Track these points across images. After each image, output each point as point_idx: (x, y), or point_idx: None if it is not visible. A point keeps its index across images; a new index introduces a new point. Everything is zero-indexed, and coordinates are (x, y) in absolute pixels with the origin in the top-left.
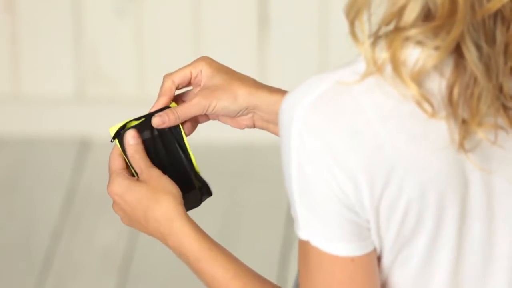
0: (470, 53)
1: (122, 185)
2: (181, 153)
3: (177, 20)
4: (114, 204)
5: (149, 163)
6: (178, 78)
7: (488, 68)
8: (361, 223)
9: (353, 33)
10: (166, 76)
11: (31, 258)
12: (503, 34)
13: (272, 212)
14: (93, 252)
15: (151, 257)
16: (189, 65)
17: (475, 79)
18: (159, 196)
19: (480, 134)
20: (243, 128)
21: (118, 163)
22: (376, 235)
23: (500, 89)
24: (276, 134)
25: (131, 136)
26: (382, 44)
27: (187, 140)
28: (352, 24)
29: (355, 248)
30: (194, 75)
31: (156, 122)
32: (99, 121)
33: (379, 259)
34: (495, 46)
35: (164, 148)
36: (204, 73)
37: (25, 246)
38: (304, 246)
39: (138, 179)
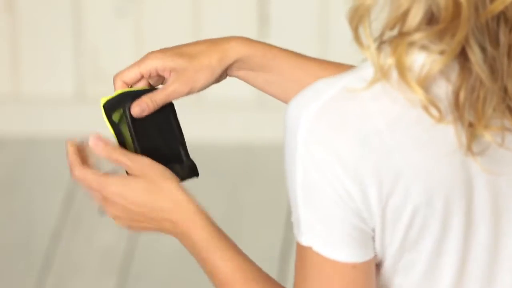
0: (475, 55)
1: (118, 183)
2: (173, 125)
3: (177, 20)
4: (112, 205)
5: (132, 154)
6: (128, 78)
7: (493, 70)
8: (366, 230)
9: (357, 39)
10: (116, 76)
11: (31, 258)
12: (506, 36)
13: (272, 212)
14: (93, 252)
15: (151, 257)
16: (137, 64)
17: (481, 82)
18: (161, 185)
19: (487, 136)
20: (220, 82)
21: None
22: (380, 241)
23: (505, 91)
24: (246, 81)
25: (94, 143)
26: (387, 50)
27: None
28: (355, 30)
29: (358, 254)
30: (145, 74)
31: (135, 111)
32: (99, 121)
33: (380, 264)
34: (499, 47)
35: (155, 119)
36: (162, 67)
37: (25, 246)
38: (303, 252)
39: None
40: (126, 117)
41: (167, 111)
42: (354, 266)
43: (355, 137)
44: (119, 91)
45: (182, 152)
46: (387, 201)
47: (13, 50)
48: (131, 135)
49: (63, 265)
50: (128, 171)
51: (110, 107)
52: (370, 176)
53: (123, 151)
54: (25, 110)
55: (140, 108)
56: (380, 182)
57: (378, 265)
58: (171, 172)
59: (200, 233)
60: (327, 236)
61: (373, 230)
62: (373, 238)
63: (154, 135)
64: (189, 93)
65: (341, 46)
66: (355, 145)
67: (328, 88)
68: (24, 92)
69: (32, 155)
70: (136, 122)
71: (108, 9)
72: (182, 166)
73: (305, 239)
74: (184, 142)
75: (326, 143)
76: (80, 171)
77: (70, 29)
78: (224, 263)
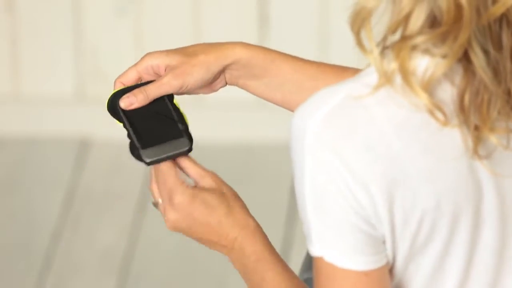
0: (478, 58)
1: (188, 194)
2: (173, 113)
3: (177, 20)
4: (176, 212)
5: (201, 169)
6: (127, 80)
7: (496, 73)
8: (376, 236)
9: (360, 44)
10: (116, 80)
11: (31, 258)
12: (509, 38)
13: (272, 212)
14: (93, 252)
15: (151, 257)
16: (134, 65)
17: (485, 85)
18: (226, 202)
19: (493, 139)
20: (217, 90)
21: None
22: (391, 247)
23: (509, 93)
24: (246, 88)
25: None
26: (390, 55)
27: (177, 102)
28: (357, 34)
29: (370, 261)
30: (142, 72)
31: (124, 103)
32: (99, 121)
33: (390, 270)
34: (502, 50)
35: (153, 111)
36: (157, 63)
37: (25, 246)
38: (316, 263)
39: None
40: (118, 112)
41: (165, 103)
42: (366, 274)
43: (363, 143)
44: (115, 90)
45: (181, 127)
46: (395, 207)
47: (13, 50)
48: (125, 127)
49: (63, 265)
50: (197, 183)
51: (112, 108)
52: (378, 182)
53: (195, 164)
54: (25, 110)
55: (128, 100)
56: (388, 188)
57: (390, 270)
58: (235, 193)
59: (254, 245)
60: (338, 244)
61: (383, 236)
62: (385, 243)
63: (153, 126)
64: (182, 87)
65: (341, 46)
66: (362, 151)
67: (332, 95)
68: (24, 92)
69: (32, 155)
70: (131, 115)
71: (108, 9)
72: (181, 141)
73: (316, 249)
74: (184, 120)
75: (334, 149)
76: (168, 166)
77: (70, 29)
78: (273, 276)
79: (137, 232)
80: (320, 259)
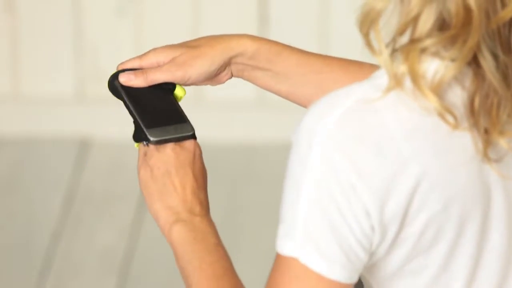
0: (487, 62)
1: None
2: (171, 96)
3: (177, 20)
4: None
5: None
6: (129, 68)
7: (505, 77)
8: (361, 257)
9: (369, 45)
10: (118, 65)
11: (31, 258)
12: None
13: (272, 212)
14: (93, 252)
15: (151, 257)
16: (139, 57)
17: (494, 89)
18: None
19: (502, 142)
20: (224, 82)
21: None
22: (387, 248)
23: None
24: (252, 80)
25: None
26: (399, 57)
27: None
28: (366, 36)
29: (346, 276)
30: (145, 67)
31: (122, 78)
32: (99, 121)
33: (376, 269)
34: (511, 54)
35: (154, 96)
36: (162, 60)
37: (25, 246)
38: (285, 263)
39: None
40: (120, 92)
41: (166, 92)
42: (340, 285)
43: (373, 147)
44: (115, 72)
45: (184, 115)
46: (405, 210)
47: (13, 50)
48: (127, 106)
49: (63, 265)
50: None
51: (113, 89)
52: (387, 185)
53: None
54: (25, 110)
55: (127, 76)
56: (397, 192)
57: (374, 270)
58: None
59: (215, 231)
60: (321, 246)
61: (372, 254)
62: (366, 263)
63: (156, 109)
64: (183, 77)
65: (341, 46)
66: (373, 155)
67: (343, 99)
68: (24, 92)
69: (32, 155)
70: (134, 97)
71: (108, 9)
72: (186, 125)
73: (292, 248)
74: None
75: (344, 151)
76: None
77: (70, 29)
78: (227, 265)
79: (137, 232)
80: (292, 259)
